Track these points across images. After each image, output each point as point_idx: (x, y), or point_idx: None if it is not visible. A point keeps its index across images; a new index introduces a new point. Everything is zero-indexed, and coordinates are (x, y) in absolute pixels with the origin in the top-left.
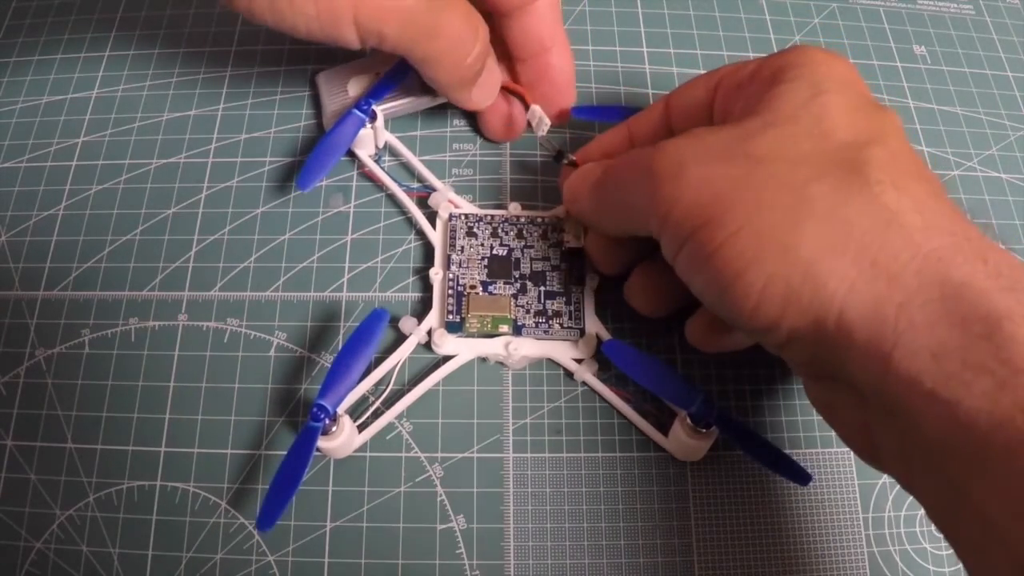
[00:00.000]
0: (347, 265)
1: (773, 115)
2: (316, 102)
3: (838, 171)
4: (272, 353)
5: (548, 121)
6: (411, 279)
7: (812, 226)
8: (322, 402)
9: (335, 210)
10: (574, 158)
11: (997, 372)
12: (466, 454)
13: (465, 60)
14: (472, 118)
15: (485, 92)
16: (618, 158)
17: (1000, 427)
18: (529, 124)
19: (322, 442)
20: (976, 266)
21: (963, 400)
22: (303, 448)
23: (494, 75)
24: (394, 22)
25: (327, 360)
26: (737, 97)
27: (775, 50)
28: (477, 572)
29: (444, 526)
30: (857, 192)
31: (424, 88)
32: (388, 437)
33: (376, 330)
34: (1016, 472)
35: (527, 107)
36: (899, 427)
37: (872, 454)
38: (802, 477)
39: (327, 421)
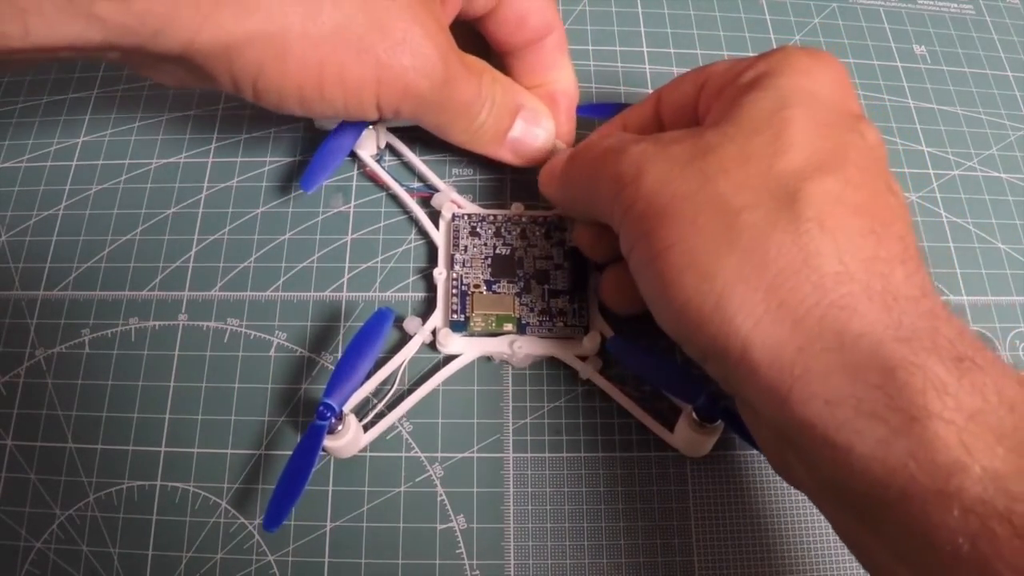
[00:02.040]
0: (347, 265)
1: (735, 128)
2: None
3: (774, 202)
4: (272, 353)
5: (563, 145)
6: (411, 279)
7: (734, 257)
8: (328, 400)
9: (335, 210)
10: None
11: (890, 420)
12: (466, 454)
13: (471, 125)
14: None
15: (522, 145)
16: (591, 142)
17: (893, 474)
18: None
19: (328, 441)
20: (879, 316)
21: (856, 447)
22: (309, 447)
23: (533, 124)
24: (410, 103)
25: (327, 360)
26: (718, 98)
27: None
28: (477, 572)
29: (444, 526)
30: (783, 228)
31: None
32: (388, 437)
33: (381, 329)
34: (912, 520)
35: None
36: (801, 459)
37: (785, 473)
38: None
39: (333, 420)
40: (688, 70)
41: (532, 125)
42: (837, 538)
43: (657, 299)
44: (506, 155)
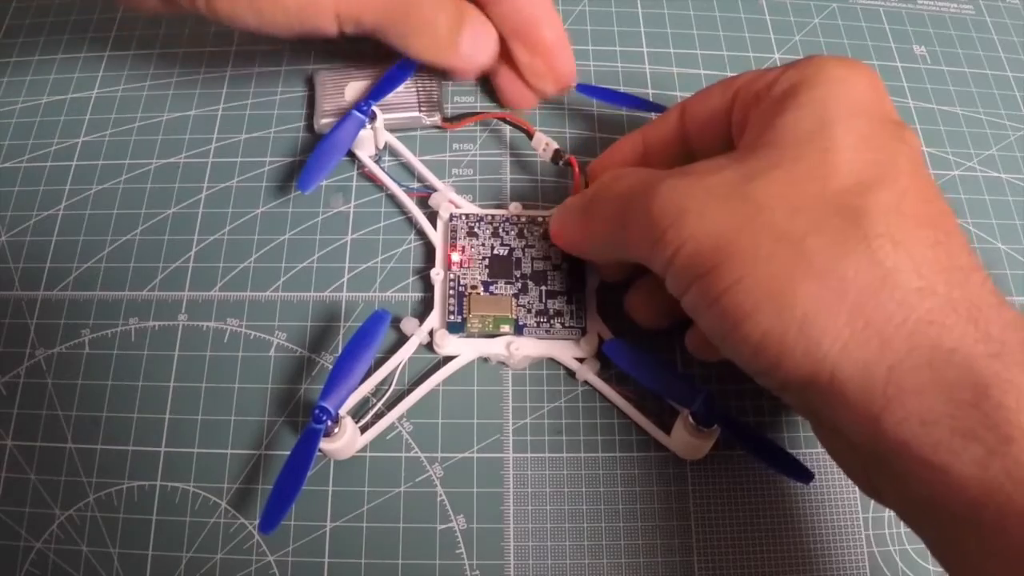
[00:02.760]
0: (347, 265)
1: (778, 152)
2: (311, 101)
3: (838, 221)
4: (272, 353)
5: (554, 145)
6: (411, 279)
7: (808, 283)
8: (324, 404)
9: (335, 210)
10: (570, 157)
11: (986, 440)
12: (466, 454)
13: (438, 32)
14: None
15: (473, 49)
16: (604, 185)
17: (990, 494)
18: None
19: (324, 444)
20: (966, 329)
21: (952, 466)
22: (305, 450)
23: (480, 30)
24: (371, 11)
25: (327, 360)
26: (754, 108)
27: (775, 50)
28: (477, 572)
29: (444, 526)
30: (854, 247)
31: (425, 105)
32: (388, 437)
33: (377, 332)
34: (1009, 540)
35: (530, 137)
36: (893, 480)
37: (874, 494)
38: (804, 475)
39: (329, 423)
40: (688, 70)
41: (478, 24)
42: (836, 539)
43: (729, 336)
44: (458, 62)
